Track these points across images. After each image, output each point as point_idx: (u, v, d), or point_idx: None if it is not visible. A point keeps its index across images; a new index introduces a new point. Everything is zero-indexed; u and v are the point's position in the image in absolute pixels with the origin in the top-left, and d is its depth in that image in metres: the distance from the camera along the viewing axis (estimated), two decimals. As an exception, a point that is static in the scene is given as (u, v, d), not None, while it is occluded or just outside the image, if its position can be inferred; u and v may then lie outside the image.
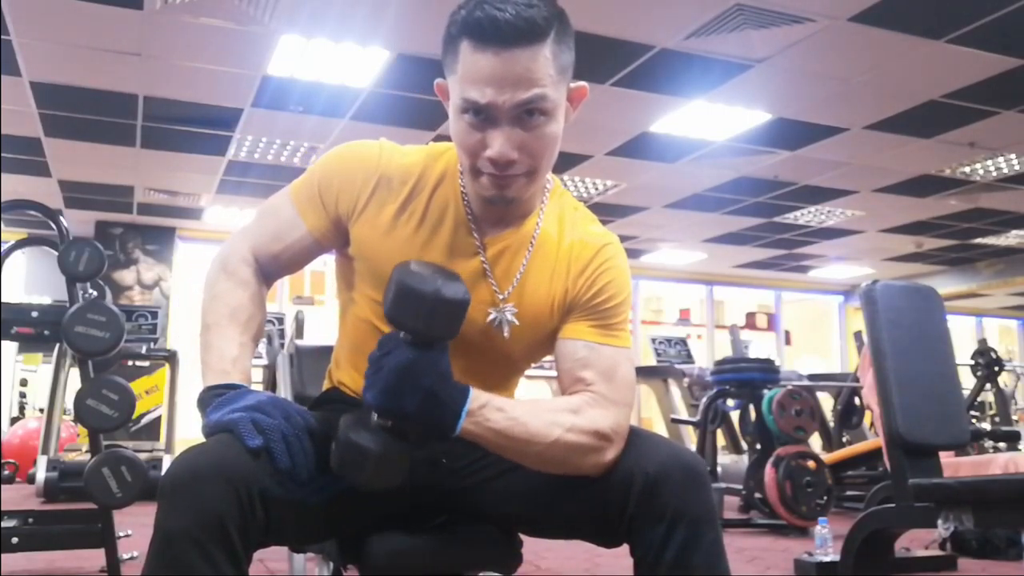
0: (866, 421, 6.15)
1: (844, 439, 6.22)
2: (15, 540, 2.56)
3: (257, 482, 1.03)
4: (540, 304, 1.21)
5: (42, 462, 5.10)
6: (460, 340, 1.19)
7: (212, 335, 1.18)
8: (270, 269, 1.26)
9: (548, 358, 1.28)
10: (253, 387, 1.16)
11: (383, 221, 1.20)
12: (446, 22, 1.11)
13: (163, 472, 1.05)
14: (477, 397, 1.08)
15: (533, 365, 1.34)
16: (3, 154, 6.15)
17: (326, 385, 1.38)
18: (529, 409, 1.11)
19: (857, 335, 6.26)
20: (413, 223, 1.20)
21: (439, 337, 1.06)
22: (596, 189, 7.17)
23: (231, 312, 1.20)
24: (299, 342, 3.57)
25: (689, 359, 8.23)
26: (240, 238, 1.26)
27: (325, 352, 1.56)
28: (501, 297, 1.20)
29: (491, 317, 1.20)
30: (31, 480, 5.20)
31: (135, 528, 3.04)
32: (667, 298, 11.81)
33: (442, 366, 1.06)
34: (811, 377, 6.80)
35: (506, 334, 1.20)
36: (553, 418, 1.11)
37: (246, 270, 1.23)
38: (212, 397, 1.11)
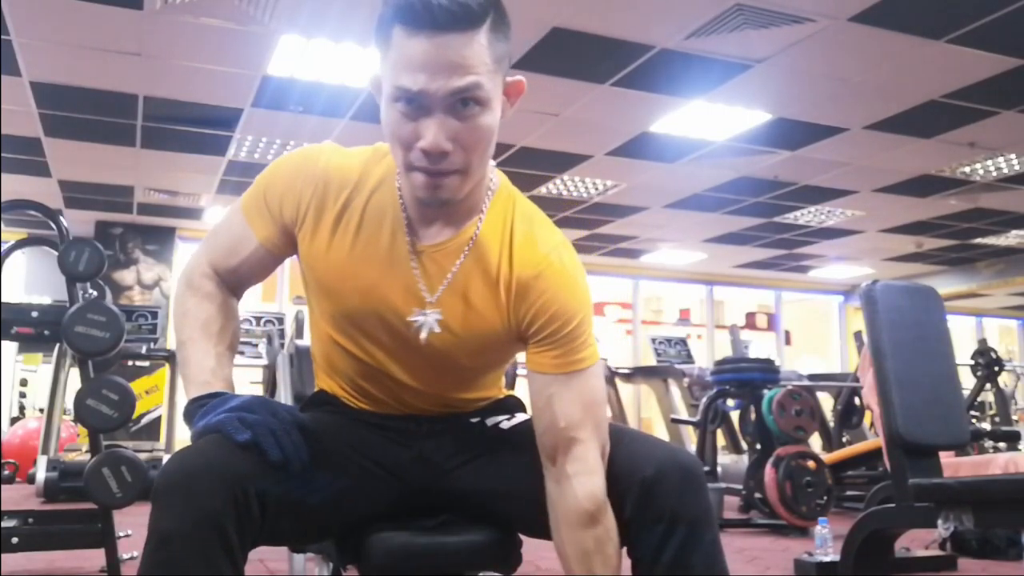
0: (866, 421, 6.15)
1: (844, 439, 6.22)
2: (15, 540, 2.56)
3: (252, 480, 1.03)
4: (481, 311, 1.17)
5: (42, 462, 5.10)
6: (406, 344, 1.18)
7: (188, 350, 1.19)
8: (231, 282, 1.25)
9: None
10: (255, 389, 1.17)
11: (323, 231, 1.17)
12: (378, 18, 1.07)
13: None
14: None
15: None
16: (3, 154, 6.15)
17: (316, 387, 1.39)
18: None
19: (857, 335, 6.26)
20: (351, 233, 1.16)
21: None
22: (596, 189, 7.17)
23: (202, 325, 1.20)
24: (299, 342, 3.58)
25: (689, 359, 8.24)
26: (199, 254, 1.26)
27: (325, 352, 1.56)
28: (429, 300, 1.16)
29: (413, 318, 1.17)
30: (31, 480, 5.20)
31: (135, 528, 3.04)
32: (667, 298, 11.82)
33: None
34: (811, 377, 6.80)
35: (423, 337, 1.16)
36: (591, 562, 1.12)
37: (208, 284, 1.23)
38: (197, 408, 1.12)
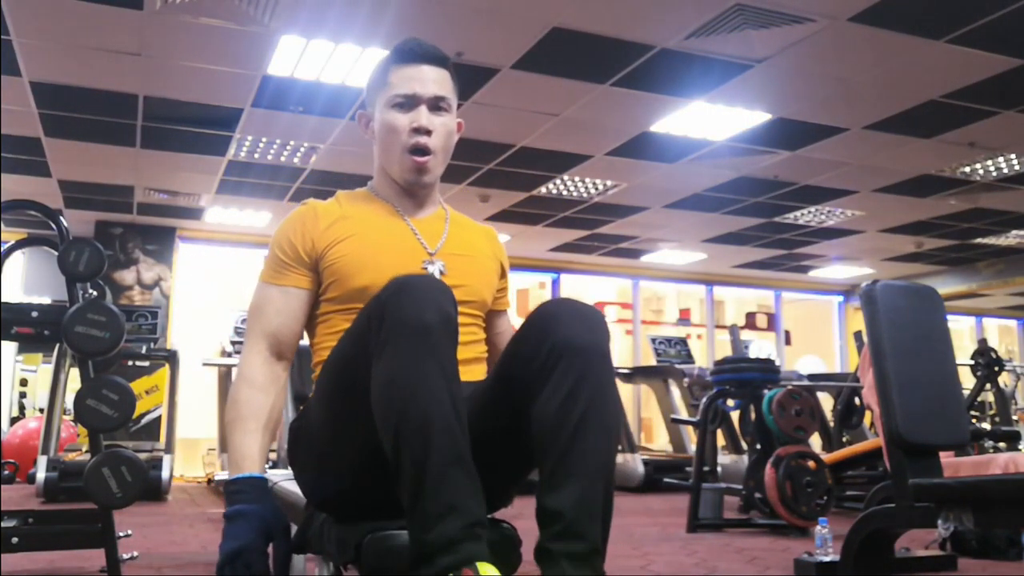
0: (866, 421, 6.15)
1: (844, 439, 6.22)
2: (15, 540, 2.56)
3: None
4: (482, 260, 1.55)
5: (42, 462, 5.10)
6: None
7: (229, 432, 1.40)
8: (282, 341, 1.46)
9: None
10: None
11: (331, 236, 1.46)
12: (373, 72, 1.55)
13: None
14: None
15: None
16: (3, 154, 6.15)
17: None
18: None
19: (857, 335, 6.26)
20: (356, 228, 1.48)
21: None
22: (596, 189, 7.17)
23: (245, 412, 1.40)
24: (299, 342, 3.56)
25: (689, 359, 8.23)
26: (247, 345, 1.46)
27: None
28: (431, 252, 1.49)
29: (424, 264, 1.47)
30: (31, 480, 5.21)
31: (135, 528, 3.04)
32: (667, 298, 11.81)
33: None
34: (811, 377, 6.79)
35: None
36: None
37: (250, 368, 1.43)
38: (230, 492, 1.32)
